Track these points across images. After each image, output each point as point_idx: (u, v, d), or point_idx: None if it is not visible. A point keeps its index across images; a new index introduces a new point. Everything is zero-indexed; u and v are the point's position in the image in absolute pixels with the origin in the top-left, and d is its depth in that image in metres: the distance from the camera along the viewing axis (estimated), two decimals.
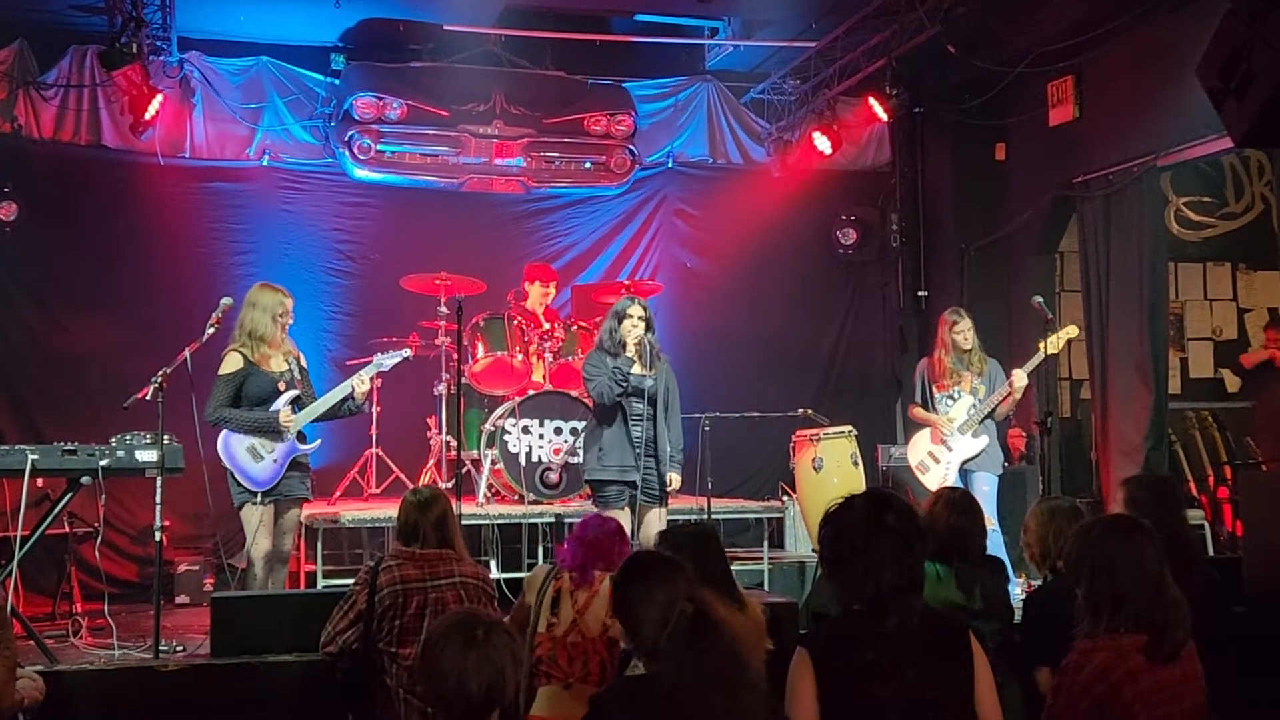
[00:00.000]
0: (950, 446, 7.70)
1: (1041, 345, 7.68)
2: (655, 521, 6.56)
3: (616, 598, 3.38)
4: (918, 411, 7.92)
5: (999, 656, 4.36)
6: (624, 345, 6.70)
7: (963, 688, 3.09)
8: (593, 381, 6.71)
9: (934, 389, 7.81)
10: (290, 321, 6.53)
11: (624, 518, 6.59)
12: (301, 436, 6.46)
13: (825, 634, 3.18)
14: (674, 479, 6.77)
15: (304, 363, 6.67)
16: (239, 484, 6.30)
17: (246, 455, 6.31)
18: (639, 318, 6.73)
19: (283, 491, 6.38)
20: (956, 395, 7.72)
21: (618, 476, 6.63)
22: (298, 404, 6.45)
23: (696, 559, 3.68)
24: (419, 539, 4.50)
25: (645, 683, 3.12)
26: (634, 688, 3.19)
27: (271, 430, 6.32)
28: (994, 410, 7.67)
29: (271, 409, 6.35)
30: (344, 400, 6.55)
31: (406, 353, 7.03)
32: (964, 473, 7.68)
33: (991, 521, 7.46)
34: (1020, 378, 7.57)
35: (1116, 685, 3.26)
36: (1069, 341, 8.04)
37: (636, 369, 6.67)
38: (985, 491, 7.57)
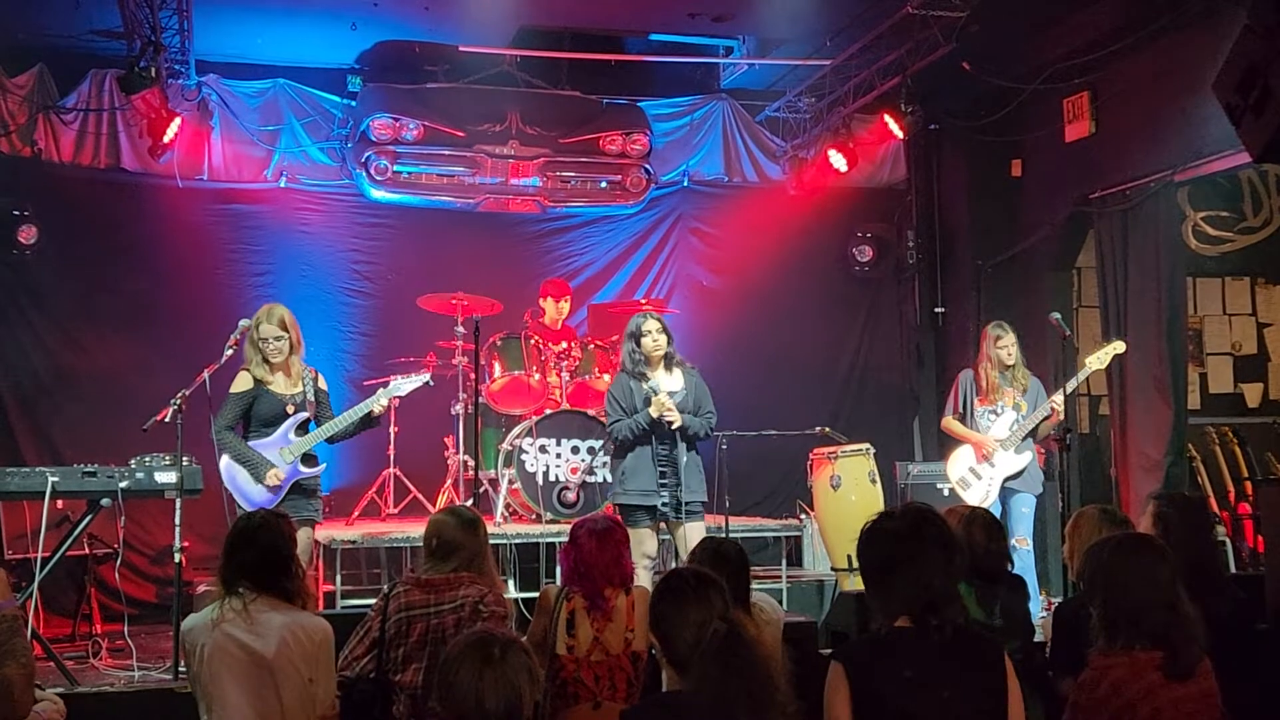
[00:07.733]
0: (994, 463, 7.60)
1: (1085, 362, 7.61)
2: (696, 537, 6.30)
3: (653, 614, 3.37)
4: (956, 427, 7.81)
5: (1020, 675, 4.33)
6: (648, 363, 6.65)
7: (998, 708, 3.10)
8: (614, 423, 6.62)
9: (976, 402, 7.72)
10: (273, 344, 6.25)
11: (650, 539, 6.57)
12: (310, 460, 6.41)
13: (865, 650, 3.19)
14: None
15: (323, 383, 6.60)
16: (241, 506, 6.22)
17: (245, 477, 6.26)
18: (658, 331, 6.65)
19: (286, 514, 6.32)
20: (1000, 410, 7.64)
21: (640, 501, 6.54)
22: (305, 427, 6.39)
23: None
24: (435, 559, 4.46)
25: (677, 698, 3.13)
26: (665, 703, 3.20)
27: (256, 474, 6.22)
28: (1036, 428, 7.57)
29: (277, 437, 6.28)
30: (361, 421, 6.53)
31: (427, 378, 6.91)
32: (1005, 491, 7.60)
33: (1026, 541, 7.42)
34: (1059, 400, 7.43)
35: (1131, 702, 3.25)
36: (1114, 357, 7.81)
37: (668, 383, 6.60)
38: (1024, 513, 7.54)
